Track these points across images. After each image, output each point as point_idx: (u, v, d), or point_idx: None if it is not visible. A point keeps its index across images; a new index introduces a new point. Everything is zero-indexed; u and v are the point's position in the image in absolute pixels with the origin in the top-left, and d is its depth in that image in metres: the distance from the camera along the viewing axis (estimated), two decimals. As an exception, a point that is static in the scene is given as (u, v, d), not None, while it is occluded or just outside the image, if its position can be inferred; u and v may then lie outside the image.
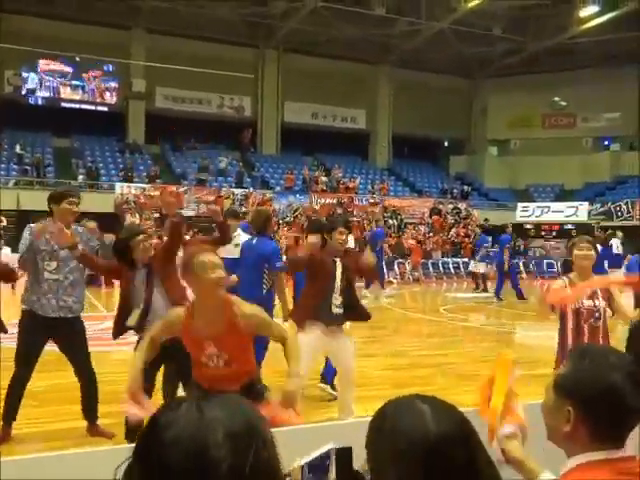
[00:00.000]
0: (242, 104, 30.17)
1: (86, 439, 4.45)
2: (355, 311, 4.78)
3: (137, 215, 22.33)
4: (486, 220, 28.26)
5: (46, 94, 26.95)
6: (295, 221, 23.52)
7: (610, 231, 17.63)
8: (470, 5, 25.11)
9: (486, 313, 13.86)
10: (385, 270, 17.99)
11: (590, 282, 4.10)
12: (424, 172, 33.10)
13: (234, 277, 5.35)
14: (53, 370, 5.54)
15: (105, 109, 28.06)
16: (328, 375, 5.87)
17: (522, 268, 22.39)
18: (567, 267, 21.18)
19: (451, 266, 22.93)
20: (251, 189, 25.67)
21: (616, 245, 14.46)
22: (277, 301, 5.76)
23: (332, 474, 1.64)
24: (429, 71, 31.29)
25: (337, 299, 4.60)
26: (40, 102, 26.94)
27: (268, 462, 0.92)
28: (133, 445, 0.93)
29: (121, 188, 23.54)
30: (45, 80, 26.83)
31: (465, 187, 31.32)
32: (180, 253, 4.12)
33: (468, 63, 31.65)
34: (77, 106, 27.45)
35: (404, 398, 1.20)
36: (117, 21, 26.34)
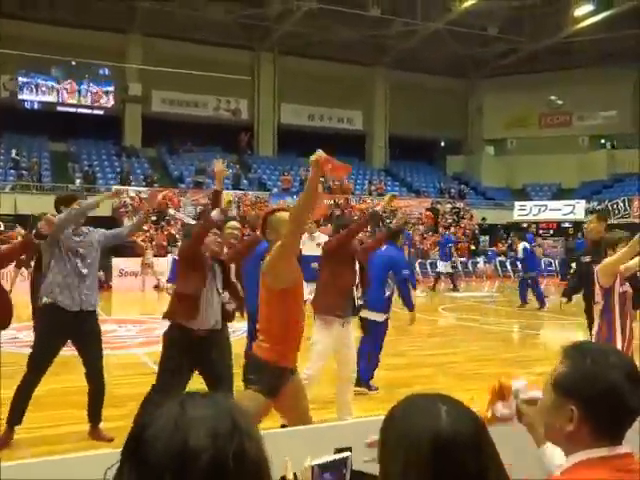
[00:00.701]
0: (238, 106, 30.18)
1: (84, 443, 4.45)
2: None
3: (134, 218, 22.31)
4: (484, 219, 28.34)
5: (42, 98, 26.92)
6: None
7: (513, 236, 17.69)
8: (465, 5, 25.15)
9: (485, 312, 13.87)
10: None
11: None
12: (421, 172, 33.14)
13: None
14: (48, 375, 5.54)
15: (101, 113, 28.04)
16: (364, 375, 5.92)
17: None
18: (565, 266, 21.26)
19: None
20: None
21: (521, 249, 14.30)
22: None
23: None
24: (425, 71, 31.32)
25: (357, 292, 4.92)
26: (36, 106, 26.90)
27: (253, 455, 0.92)
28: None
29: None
30: (41, 85, 26.81)
31: (462, 187, 31.36)
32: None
33: (464, 63, 31.69)
34: (73, 110, 27.42)
35: (424, 396, 1.19)
36: (113, 25, 26.33)
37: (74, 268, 4.46)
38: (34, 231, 4.24)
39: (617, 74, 29.07)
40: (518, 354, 8.69)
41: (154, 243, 19.95)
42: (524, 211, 28.24)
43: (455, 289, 18.17)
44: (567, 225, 26.87)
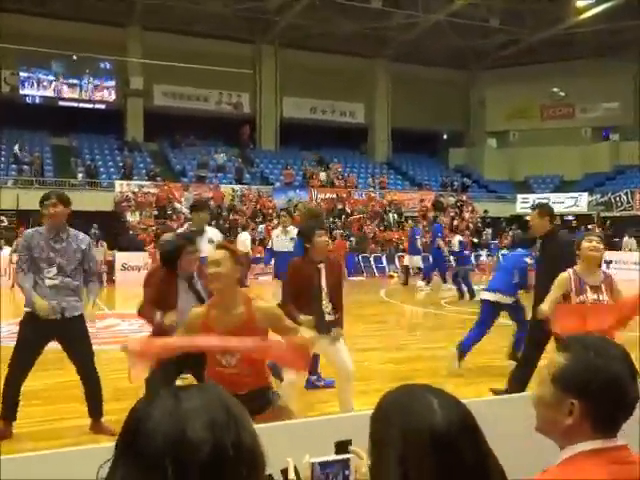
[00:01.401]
0: (240, 100, 30.13)
1: (87, 437, 4.47)
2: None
3: (137, 213, 22.34)
4: (486, 212, 28.29)
5: (44, 93, 26.90)
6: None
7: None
8: (466, -3, 25.02)
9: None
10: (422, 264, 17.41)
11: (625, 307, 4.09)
12: (423, 165, 33.07)
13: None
14: (52, 369, 5.56)
15: (103, 107, 28.00)
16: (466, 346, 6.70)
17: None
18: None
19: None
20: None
21: (456, 243, 14.80)
22: None
23: None
24: (427, 64, 31.21)
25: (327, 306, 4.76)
26: (38, 101, 26.88)
27: (248, 443, 0.94)
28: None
29: (120, 186, 23.54)
30: (42, 79, 26.79)
31: (465, 179, 31.30)
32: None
33: (465, 55, 31.57)
34: (75, 104, 27.40)
35: (407, 388, 1.20)
36: (113, 19, 26.27)
37: (50, 280, 4.47)
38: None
39: (619, 66, 28.94)
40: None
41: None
42: (526, 204, 28.19)
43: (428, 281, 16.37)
44: (570, 218, 26.81)
